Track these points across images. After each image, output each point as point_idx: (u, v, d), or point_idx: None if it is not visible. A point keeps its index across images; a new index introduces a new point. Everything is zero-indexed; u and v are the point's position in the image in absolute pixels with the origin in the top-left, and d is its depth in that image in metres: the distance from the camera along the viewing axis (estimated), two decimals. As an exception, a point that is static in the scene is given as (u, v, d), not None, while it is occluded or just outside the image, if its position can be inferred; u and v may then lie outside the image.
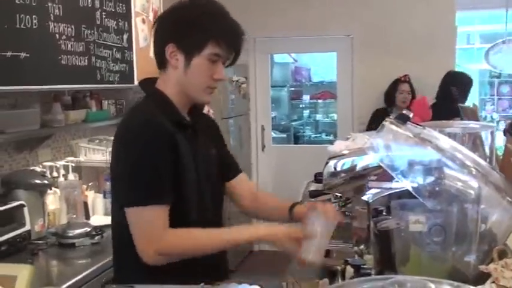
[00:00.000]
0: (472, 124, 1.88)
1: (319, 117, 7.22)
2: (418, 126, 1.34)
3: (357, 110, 5.13)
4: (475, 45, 8.66)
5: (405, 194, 2.06)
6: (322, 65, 7.20)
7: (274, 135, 5.85)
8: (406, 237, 1.33)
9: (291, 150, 5.89)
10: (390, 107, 4.60)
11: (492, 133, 1.66)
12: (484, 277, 1.18)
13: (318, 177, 2.27)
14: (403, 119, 1.32)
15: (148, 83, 1.64)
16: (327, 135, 6.96)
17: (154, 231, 1.44)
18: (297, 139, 6.94)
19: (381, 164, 1.30)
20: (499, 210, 1.31)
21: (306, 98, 7.09)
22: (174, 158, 1.49)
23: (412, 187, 1.27)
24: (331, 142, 6.52)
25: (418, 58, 4.84)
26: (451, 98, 4.30)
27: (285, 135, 6.72)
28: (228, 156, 1.85)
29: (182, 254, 1.48)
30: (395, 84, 4.68)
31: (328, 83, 6.86)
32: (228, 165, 1.82)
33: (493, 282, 1.15)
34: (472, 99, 7.44)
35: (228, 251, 1.73)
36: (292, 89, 7.06)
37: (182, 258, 1.48)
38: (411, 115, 1.34)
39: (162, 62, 1.56)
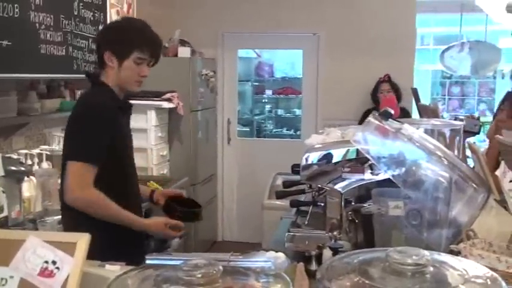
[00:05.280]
0: (439, 122, 2.06)
1: (280, 112, 7.36)
2: (398, 123, 1.50)
3: (320, 106, 5.32)
4: (429, 46, 9.02)
5: (374, 185, 2.23)
6: (284, 61, 7.35)
7: (237, 128, 5.98)
8: (386, 221, 1.49)
9: (255, 144, 6.03)
10: (377, 106, 4.72)
11: (460, 131, 1.84)
12: (454, 254, 1.35)
13: (294, 169, 2.42)
14: (385, 116, 1.47)
15: (94, 76, 2.17)
16: (287, 130, 7.12)
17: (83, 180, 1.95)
18: (258, 133, 7.08)
19: (367, 156, 1.45)
20: (466, 198, 1.49)
21: (269, 93, 7.23)
22: (114, 133, 2.01)
23: (393, 176, 1.43)
24: (291, 136, 6.72)
25: (381, 58, 5.06)
26: None
27: (248, 129, 6.84)
28: None
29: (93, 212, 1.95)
30: (377, 84, 4.90)
31: (291, 79, 7.00)
32: None
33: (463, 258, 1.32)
34: (425, 98, 7.78)
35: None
36: (256, 84, 7.18)
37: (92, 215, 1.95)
38: (393, 112, 1.49)
39: (101, 63, 2.09)
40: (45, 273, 0.89)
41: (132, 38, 2.06)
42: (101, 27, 3.56)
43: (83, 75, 3.42)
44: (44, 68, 2.97)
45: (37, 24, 2.85)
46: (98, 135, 1.98)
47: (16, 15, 2.67)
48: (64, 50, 3.13)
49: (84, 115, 2.03)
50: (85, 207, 1.95)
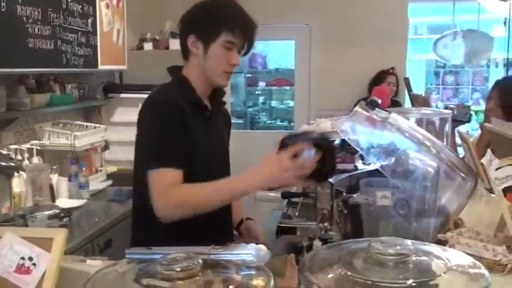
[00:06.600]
0: (428, 111, 2.05)
1: (274, 103, 7.35)
2: (385, 112, 1.49)
3: (313, 97, 5.31)
4: (423, 35, 9.00)
5: (365, 175, 2.22)
6: (277, 53, 7.32)
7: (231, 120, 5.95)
8: (374, 211, 1.48)
9: (249, 136, 6.01)
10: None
11: (447, 119, 1.83)
12: (441, 243, 1.35)
13: (285, 160, 2.41)
14: (372, 105, 1.46)
15: (175, 69, 1.84)
16: (281, 121, 7.12)
17: (165, 187, 1.59)
18: (252, 125, 7.06)
19: (355, 147, 1.44)
20: (454, 187, 1.48)
21: (262, 84, 7.21)
22: (186, 134, 1.67)
23: (381, 166, 1.42)
24: (286, 128, 6.70)
25: (373, 48, 5.06)
26: None
27: (241, 121, 6.83)
28: None
29: (191, 204, 1.59)
30: (383, 75, 4.89)
31: (284, 70, 6.99)
32: None
33: (450, 247, 1.32)
34: (419, 88, 7.76)
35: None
36: (249, 75, 7.16)
37: (193, 210, 1.59)
38: (379, 101, 1.48)
39: (185, 52, 1.78)
40: (21, 269, 0.88)
41: (221, 17, 1.71)
42: (90, 21, 3.53)
43: (73, 69, 3.42)
44: (33, 62, 2.93)
45: (24, 18, 2.81)
46: (167, 134, 1.64)
47: (3, 9, 2.63)
48: (52, 44, 3.09)
49: (147, 115, 1.71)
50: (176, 212, 1.58)
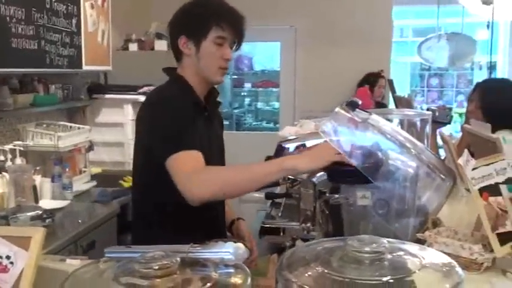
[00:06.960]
0: (410, 112, 2.08)
1: (260, 105, 7.36)
2: (366, 112, 1.50)
3: (298, 99, 5.34)
4: (408, 38, 9.08)
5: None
6: (264, 54, 7.34)
7: (219, 122, 5.96)
8: (354, 211, 1.50)
9: (234, 137, 6.01)
10: None
11: (427, 121, 1.86)
12: (420, 243, 1.37)
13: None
14: (352, 106, 1.48)
15: (170, 70, 1.84)
16: (267, 123, 7.13)
17: (190, 168, 1.56)
18: (238, 126, 7.07)
19: (337, 148, 1.45)
20: (433, 187, 1.50)
21: (248, 86, 7.22)
22: (187, 126, 1.65)
23: (361, 167, 1.43)
24: (271, 129, 6.72)
25: (358, 50, 5.10)
26: None
27: (227, 123, 6.83)
28: None
29: (220, 183, 1.56)
30: (372, 78, 4.92)
31: (270, 72, 7.01)
32: None
33: (428, 246, 1.34)
34: (404, 90, 7.82)
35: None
36: (235, 77, 7.17)
37: (222, 190, 1.56)
38: (360, 102, 1.50)
39: (177, 54, 1.79)
40: (-1, 268, 0.88)
41: (208, 13, 1.73)
42: (74, 21, 3.51)
43: (57, 69, 3.40)
44: (16, 62, 2.91)
45: (7, 18, 2.80)
46: (181, 122, 1.63)
47: (-15, 9, 2.62)
48: (36, 44, 3.07)
49: (153, 111, 1.70)
50: (205, 192, 1.52)
